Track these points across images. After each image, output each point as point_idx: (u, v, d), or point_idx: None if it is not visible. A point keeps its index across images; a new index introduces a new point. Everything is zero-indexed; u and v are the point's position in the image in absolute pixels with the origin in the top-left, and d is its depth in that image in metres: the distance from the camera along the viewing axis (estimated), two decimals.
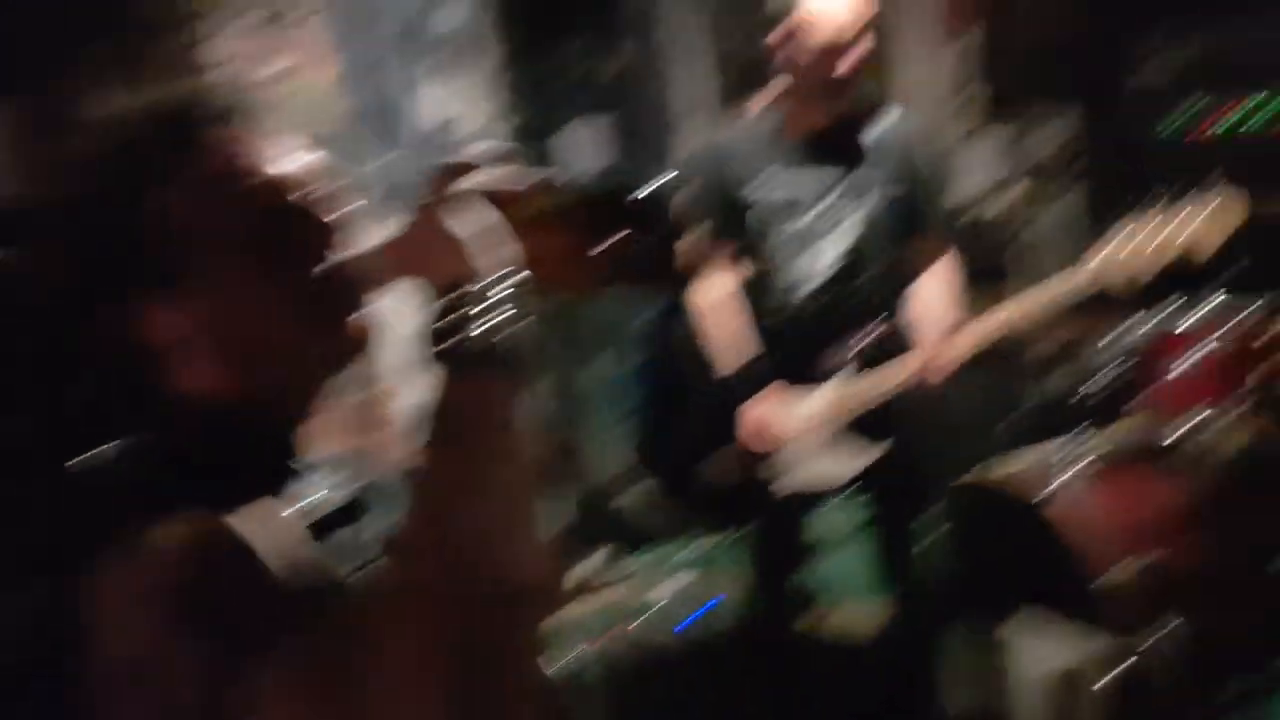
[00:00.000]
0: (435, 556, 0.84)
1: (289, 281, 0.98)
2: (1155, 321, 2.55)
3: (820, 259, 2.64)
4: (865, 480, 2.69)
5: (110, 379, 1.01)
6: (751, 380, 2.64)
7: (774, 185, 2.61)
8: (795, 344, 2.64)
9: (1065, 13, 5.07)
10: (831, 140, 2.58)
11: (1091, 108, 4.88)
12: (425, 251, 0.95)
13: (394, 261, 0.98)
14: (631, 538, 3.95)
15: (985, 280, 3.21)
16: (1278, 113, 3.97)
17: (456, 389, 0.90)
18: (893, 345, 2.65)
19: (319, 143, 1.08)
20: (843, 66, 2.48)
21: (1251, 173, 3.93)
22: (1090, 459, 2.45)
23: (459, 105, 4.10)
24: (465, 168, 0.99)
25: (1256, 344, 2.46)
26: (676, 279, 1.01)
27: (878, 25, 2.56)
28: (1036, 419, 3.13)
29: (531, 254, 0.96)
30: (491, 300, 0.91)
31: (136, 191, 0.98)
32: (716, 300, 2.64)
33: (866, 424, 2.63)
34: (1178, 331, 2.52)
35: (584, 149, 4.67)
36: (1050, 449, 2.55)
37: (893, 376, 2.58)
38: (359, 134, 3.77)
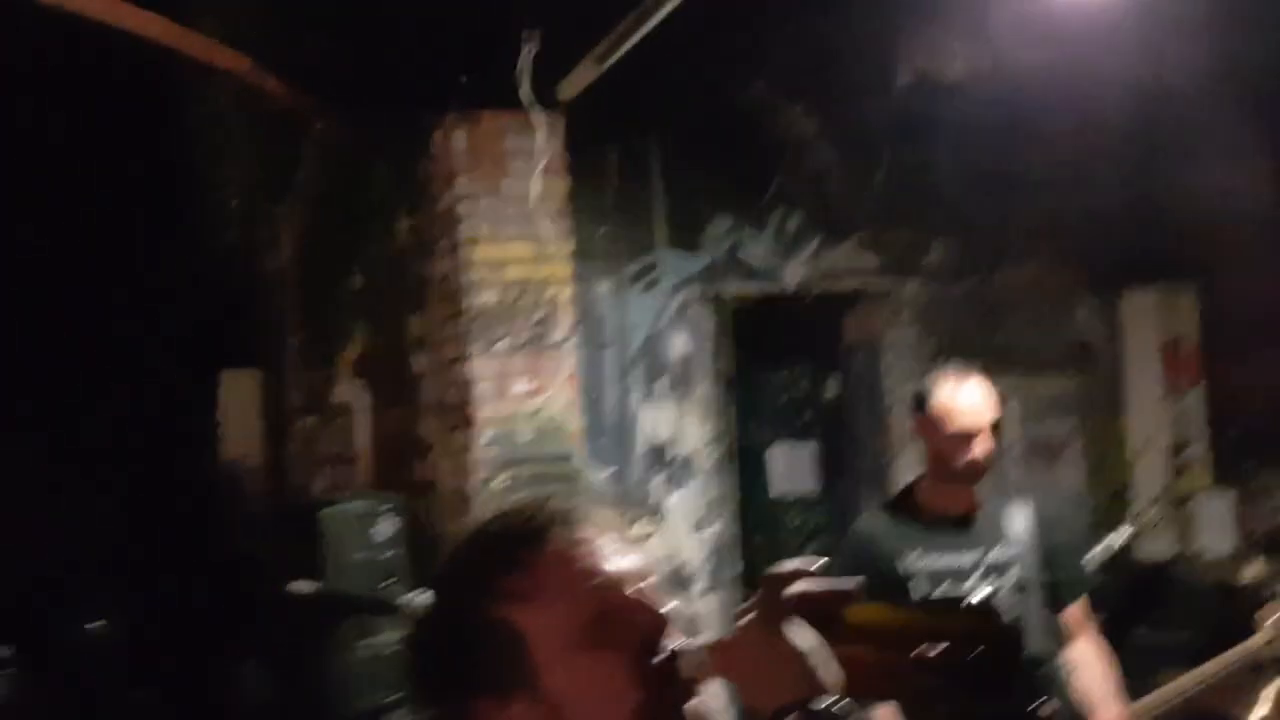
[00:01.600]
0: None
1: (627, 671, 1.01)
2: None
3: None
4: None
5: None
6: None
7: (921, 562, 2.70)
8: None
9: None
10: (968, 522, 2.72)
11: None
12: (753, 667, 0.97)
13: (721, 666, 1.00)
14: None
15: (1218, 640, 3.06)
16: None
17: None
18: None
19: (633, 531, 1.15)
20: (973, 454, 2.64)
21: None
22: None
23: (683, 423, 4.28)
24: (788, 579, 0.99)
25: None
26: (1006, 690, 0.97)
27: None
28: None
29: (853, 668, 0.95)
30: None
31: (482, 596, 1.04)
32: None
33: None
34: None
35: (794, 471, 4.74)
36: None
37: None
38: (594, 448, 3.98)
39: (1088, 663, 2.69)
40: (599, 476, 4.05)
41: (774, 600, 0.98)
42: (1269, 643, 2.32)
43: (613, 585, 1.05)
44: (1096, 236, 4.67)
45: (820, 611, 0.98)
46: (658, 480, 4.22)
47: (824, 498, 4.74)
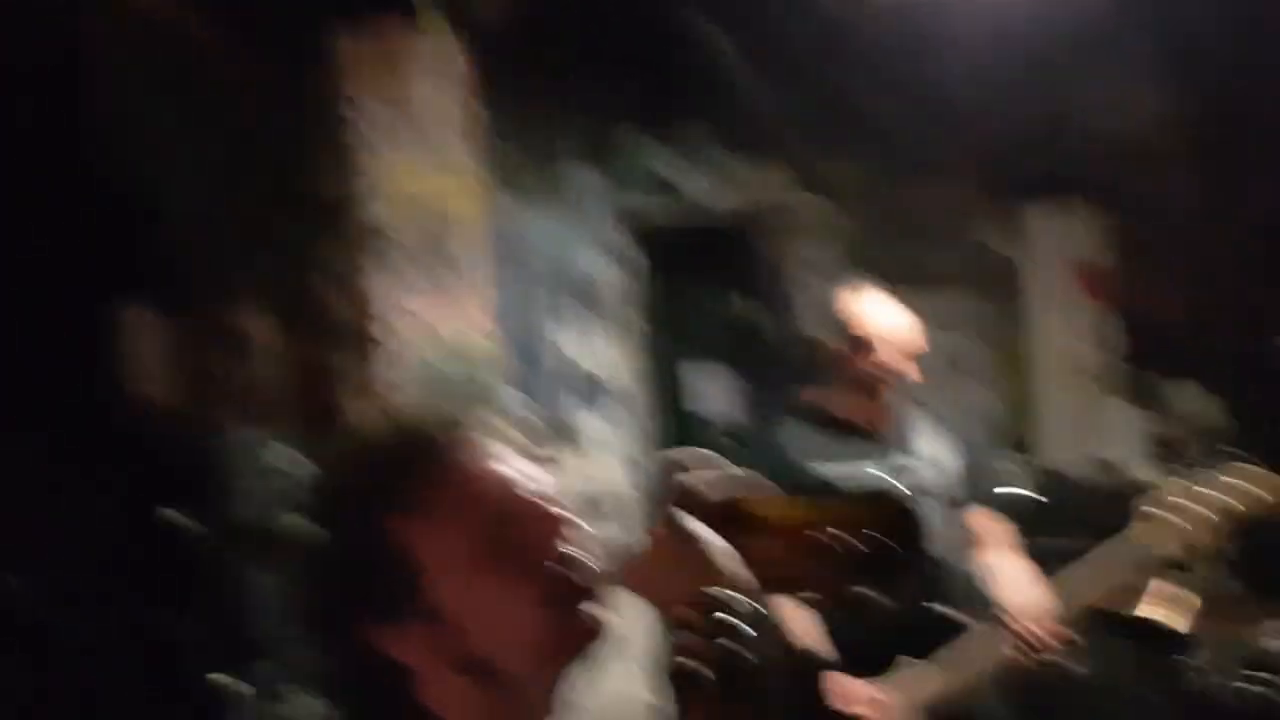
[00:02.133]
0: None
1: (524, 581, 0.99)
2: None
3: None
4: None
5: (359, 696, 1.03)
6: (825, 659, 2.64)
7: (827, 470, 2.77)
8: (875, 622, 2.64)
9: (1199, 286, 5.09)
10: (875, 432, 2.82)
11: (1226, 383, 4.82)
12: (653, 564, 0.98)
13: (628, 576, 1.00)
14: None
15: None
16: None
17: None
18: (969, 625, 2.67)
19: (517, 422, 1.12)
20: (879, 364, 2.76)
21: None
22: None
23: (598, 347, 4.25)
24: (681, 469, 1.02)
25: None
26: (903, 571, 0.99)
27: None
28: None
29: (761, 561, 0.96)
30: (729, 623, 0.91)
31: (371, 514, 1.01)
32: None
33: None
34: None
35: (711, 392, 4.76)
36: None
37: (984, 654, 2.56)
38: (508, 369, 3.92)
39: (998, 568, 2.76)
40: (512, 402, 4.00)
41: (668, 486, 1.00)
42: (1143, 531, 2.42)
43: (509, 496, 1.02)
44: (1004, 152, 4.70)
45: (716, 506, 0.99)
46: (573, 405, 4.19)
47: (742, 418, 4.77)
